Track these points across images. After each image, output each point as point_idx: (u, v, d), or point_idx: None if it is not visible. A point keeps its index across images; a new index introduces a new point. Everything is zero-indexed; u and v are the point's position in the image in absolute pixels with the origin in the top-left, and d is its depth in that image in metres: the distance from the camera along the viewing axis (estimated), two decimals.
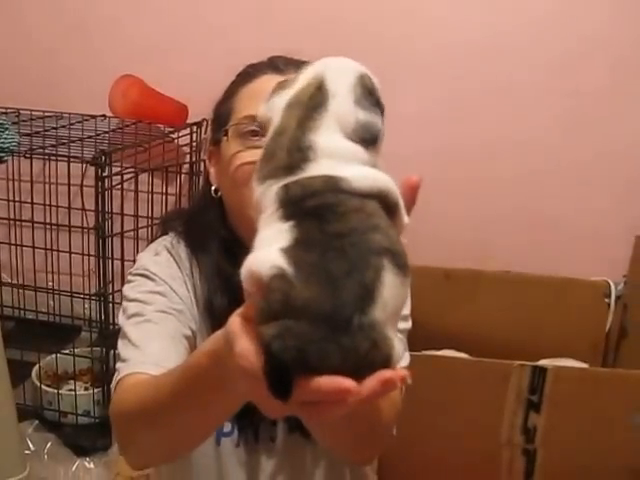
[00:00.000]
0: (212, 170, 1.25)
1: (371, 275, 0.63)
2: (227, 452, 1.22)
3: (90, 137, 2.31)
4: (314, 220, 0.66)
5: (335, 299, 0.61)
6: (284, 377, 0.61)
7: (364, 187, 0.69)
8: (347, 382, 0.60)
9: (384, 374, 0.62)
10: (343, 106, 0.74)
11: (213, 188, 1.23)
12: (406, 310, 1.20)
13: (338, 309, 0.61)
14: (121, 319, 1.15)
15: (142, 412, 0.95)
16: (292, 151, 0.72)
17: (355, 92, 0.75)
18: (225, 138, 1.18)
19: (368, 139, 0.74)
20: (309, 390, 0.61)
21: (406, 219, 0.73)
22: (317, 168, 0.70)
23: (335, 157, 0.71)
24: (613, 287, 2.23)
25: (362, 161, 0.73)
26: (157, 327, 1.11)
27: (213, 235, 1.22)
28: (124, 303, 1.17)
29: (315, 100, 0.75)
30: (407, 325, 1.21)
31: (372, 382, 0.61)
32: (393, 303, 0.65)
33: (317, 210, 0.67)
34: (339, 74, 0.77)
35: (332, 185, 0.68)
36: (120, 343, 1.13)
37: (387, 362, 0.63)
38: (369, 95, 0.76)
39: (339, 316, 0.61)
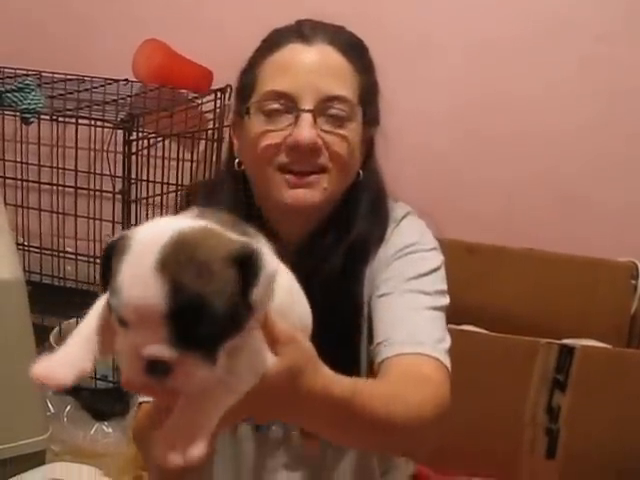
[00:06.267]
0: (236, 142, 1.23)
1: None
2: (245, 437, 1.21)
3: (114, 101, 2.28)
4: None
5: None
6: None
7: None
8: None
9: None
10: None
11: (237, 161, 1.21)
12: (443, 285, 1.18)
13: None
14: None
15: None
16: None
17: None
18: (247, 116, 1.15)
19: None
20: None
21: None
22: None
23: None
24: None
25: None
26: None
27: (233, 208, 1.20)
28: None
29: None
30: (446, 301, 1.17)
31: None
32: None
33: None
34: None
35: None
36: None
37: None
38: None
39: None
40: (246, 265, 0.65)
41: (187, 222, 0.68)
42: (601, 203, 2.34)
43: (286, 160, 1.12)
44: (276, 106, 1.11)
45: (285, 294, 0.81)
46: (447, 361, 1.08)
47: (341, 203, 1.19)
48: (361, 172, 1.20)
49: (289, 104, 1.11)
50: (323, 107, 1.11)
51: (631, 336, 2.21)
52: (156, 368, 0.63)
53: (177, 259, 0.63)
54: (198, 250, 0.64)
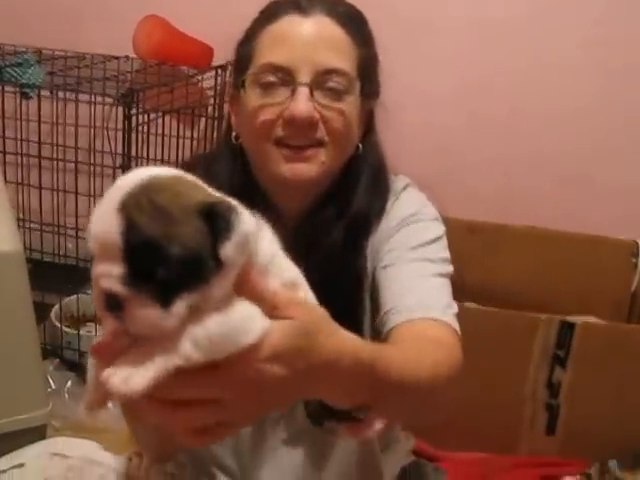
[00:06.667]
0: (233, 116, 1.23)
1: None
2: None
3: (115, 76, 2.27)
4: None
5: None
6: None
7: None
8: None
9: None
10: None
11: (234, 134, 1.21)
12: (446, 253, 1.17)
13: None
14: None
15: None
16: None
17: None
18: (243, 89, 1.14)
19: None
20: None
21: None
22: None
23: None
24: None
25: None
26: None
27: (231, 180, 1.19)
28: None
29: None
30: (450, 268, 1.17)
31: None
32: None
33: None
34: None
35: None
36: None
37: None
38: None
39: None
40: (217, 219, 0.66)
41: (169, 171, 0.70)
42: (602, 181, 2.33)
43: (283, 134, 1.11)
44: (272, 79, 1.11)
45: (295, 271, 0.80)
46: (457, 325, 1.07)
47: (341, 177, 1.18)
48: (360, 145, 1.19)
49: (286, 77, 1.10)
50: (320, 80, 1.10)
51: (631, 313, 2.21)
52: (112, 302, 0.65)
53: (138, 201, 0.65)
54: (162, 195, 0.66)
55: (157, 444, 1.24)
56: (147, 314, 0.65)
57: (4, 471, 1.59)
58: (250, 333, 0.67)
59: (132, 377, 0.64)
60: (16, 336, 1.68)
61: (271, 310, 0.70)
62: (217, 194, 0.70)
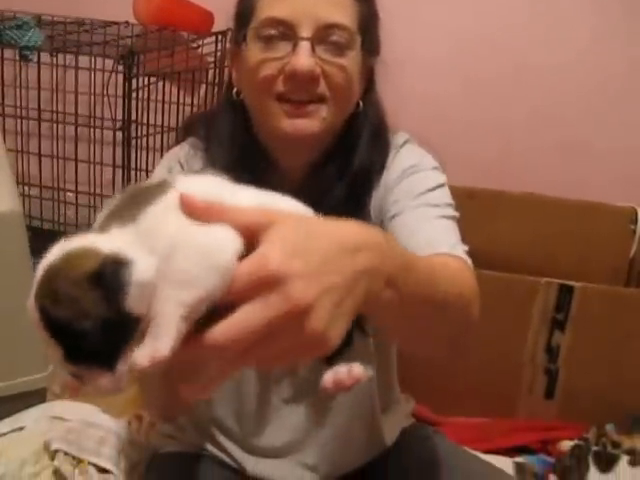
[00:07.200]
0: (234, 72, 1.22)
1: None
2: (246, 370, 1.21)
3: (114, 40, 2.26)
4: None
5: None
6: None
7: None
8: None
9: None
10: None
11: (235, 90, 1.20)
12: (450, 199, 1.18)
13: None
14: None
15: None
16: None
17: None
18: (244, 43, 1.14)
19: None
20: None
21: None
22: None
23: None
24: None
25: None
26: None
27: (233, 136, 1.20)
28: None
29: None
30: (455, 213, 1.17)
31: None
32: None
33: None
34: None
35: None
36: None
37: None
38: None
39: None
40: (106, 283, 0.65)
41: (63, 247, 0.68)
42: (602, 147, 2.32)
43: (284, 89, 1.11)
44: (274, 32, 1.10)
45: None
46: (468, 260, 1.06)
47: (342, 134, 1.18)
48: (361, 103, 1.19)
49: (287, 31, 1.09)
50: (322, 35, 1.10)
51: (629, 280, 2.21)
52: (75, 375, 0.68)
53: (42, 288, 0.66)
54: (58, 277, 0.66)
55: (165, 402, 1.24)
56: (100, 383, 0.66)
57: (4, 434, 1.60)
58: (223, 249, 0.65)
59: (149, 350, 0.64)
60: (16, 298, 1.68)
61: (254, 231, 0.66)
62: (108, 245, 0.67)
